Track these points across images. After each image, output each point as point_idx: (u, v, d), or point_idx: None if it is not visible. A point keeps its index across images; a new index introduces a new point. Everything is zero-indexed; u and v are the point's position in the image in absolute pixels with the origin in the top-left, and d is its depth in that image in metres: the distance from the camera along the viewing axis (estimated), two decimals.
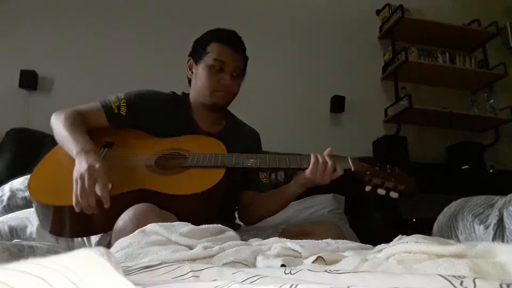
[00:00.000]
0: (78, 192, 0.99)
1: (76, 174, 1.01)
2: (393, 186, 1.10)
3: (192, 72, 1.32)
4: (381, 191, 1.10)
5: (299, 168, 1.14)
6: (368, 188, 1.11)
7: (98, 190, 0.99)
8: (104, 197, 0.99)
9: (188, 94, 1.35)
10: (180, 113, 1.30)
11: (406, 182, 1.11)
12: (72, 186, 1.01)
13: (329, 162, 1.11)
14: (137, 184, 1.04)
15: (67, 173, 1.05)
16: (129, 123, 1.25)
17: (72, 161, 1.09)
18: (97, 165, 1.00)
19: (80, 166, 1.02)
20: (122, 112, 1.24)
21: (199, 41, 1.32)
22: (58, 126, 1.18)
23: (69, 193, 1.02)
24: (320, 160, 1.11)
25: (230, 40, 1.28)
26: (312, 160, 1.11)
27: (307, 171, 1.12)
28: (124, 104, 1.24)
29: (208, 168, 1.11)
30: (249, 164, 1.12)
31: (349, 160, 1.15)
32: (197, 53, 1.30)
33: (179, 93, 1.37)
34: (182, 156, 1.15)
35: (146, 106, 1.26)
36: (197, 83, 1.29)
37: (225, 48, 1.26)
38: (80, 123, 1.17)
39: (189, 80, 1.34)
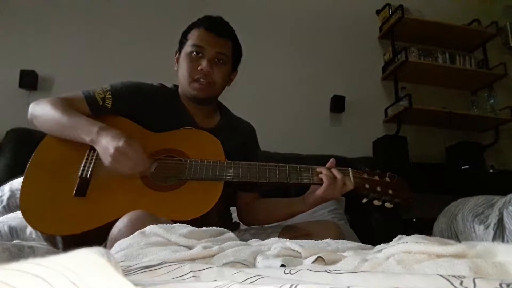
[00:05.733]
0: (127, 171, 1.03)
1: (109, 160, 1.02)
2: (389, 199, 1.10)
3: (178, 65, 1.27)
4: (377, 202, 1.11)
5: (302, 184, 1.10)
6: (364, 200, 1.11)
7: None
8: (145, 170, 1.05)
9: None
10: (172, 106, 1.24)
11: (402, 195, 1.11)
12: (66, 203, 1.02)
13: (338, 177, 1.07)
14: (133, 206, 0.97)
15: (59, 184, 1.05)
16: (116, 114, 1.18)
17: (64, 158, 1.08)
18: (120, 143, 1.01)
19: (106, 151, 1.02)
20: (108, 105, 1.16)
21: (183, 32, 1.26)
22: (48, 114, 1.11)
23: (62, 219, 1.01)
24: (331, 176, 1.07)
25: (210, 24, 1.20)
26: (326, 181, 1.07)
27: (320, 192, 1.08)
28: (110, 96, 1.17)
29: (206, 181, 1.08)
30: (251, 178, 1.08)
31: (350, 173, 1.11)
32: (180, 44, 1.25)
33: (170, 85, 1.31)
34: (179, 163, 1.11)
35: (134, 97, 1.20)
36: (179, 74, 1.24)
37: (203, 33, 1.19)
38: (71, 108, 1.12)
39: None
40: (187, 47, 1.21)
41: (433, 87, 3.09)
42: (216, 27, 1.20)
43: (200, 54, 1.19)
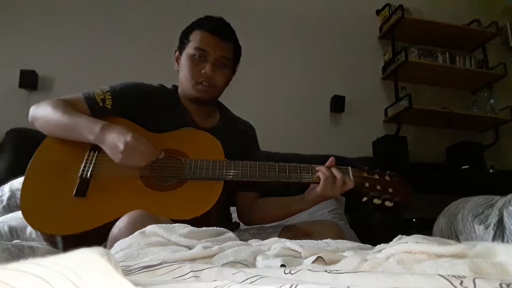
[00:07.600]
0: (141, 163, 1.05)
1: (120, 157, 1.03)
2: (389, 197, 1.11)
3: (178, 64, 1.26)
4: (377, 201, 1.11)
5: (301, 182, 1.10)
6: (365, 199, 1.11)
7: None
8: (156, 158, 1.08)
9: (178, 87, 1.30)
10: (172, 107, 1.24)
11: (402, 193, 1.11)
12: (66, 203, 1.03)
13: (338, 176, 1.07)
14: (133, 206, 0.96)
15: (60, 185, 1.05)
16: (116, 115, 1.18)
17: (64, 159, 1.09)
18: (128, 138, 1.02)
19: (115, 148, 1.03)
20: (108, 106, 1.17)
21: (184, 31, 1.26)
22: (48, 115, 1.11)
23: (62, 219, 1.02)
24: (328, 174, 1.07)
25: (213, 27, 1.20)
26: (322, 178, 1.07)
27: (318, 190, 1.08)
28: (110, 97, 1.17)
29: (206, 180, 1.08)
30: (251, 177, 1.08)
31: (350, 172, 1.12)
32: (181, 44, 1.25)
33: (169, 86, 1.31)
34: (179, 163, 1.11)
35: (134, 98, 1.20)
36: (181, 75, 1.23)
37: (207, 36, 1.19)
38: (72, 109, 1.13)
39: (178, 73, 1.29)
40: (190, 49, 1.20)
41: (433, 87, 3.09)
42: (219, 31, 1.20)
43: (203, 58, 1.19)
